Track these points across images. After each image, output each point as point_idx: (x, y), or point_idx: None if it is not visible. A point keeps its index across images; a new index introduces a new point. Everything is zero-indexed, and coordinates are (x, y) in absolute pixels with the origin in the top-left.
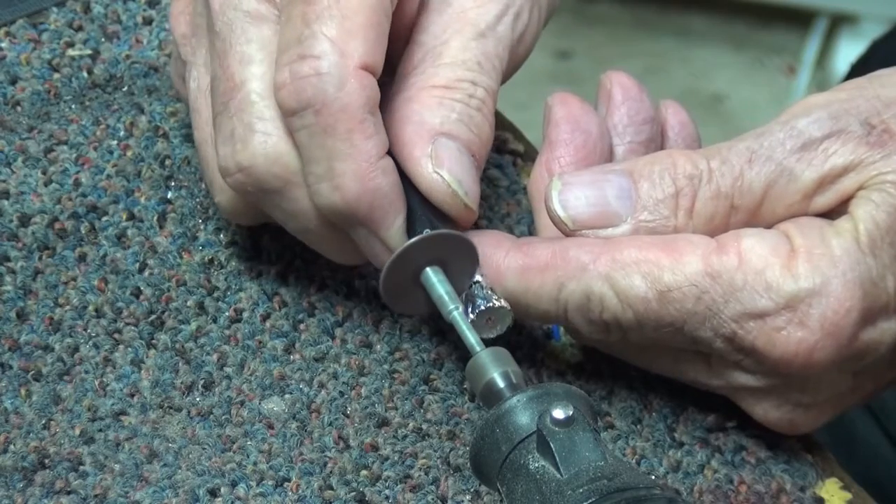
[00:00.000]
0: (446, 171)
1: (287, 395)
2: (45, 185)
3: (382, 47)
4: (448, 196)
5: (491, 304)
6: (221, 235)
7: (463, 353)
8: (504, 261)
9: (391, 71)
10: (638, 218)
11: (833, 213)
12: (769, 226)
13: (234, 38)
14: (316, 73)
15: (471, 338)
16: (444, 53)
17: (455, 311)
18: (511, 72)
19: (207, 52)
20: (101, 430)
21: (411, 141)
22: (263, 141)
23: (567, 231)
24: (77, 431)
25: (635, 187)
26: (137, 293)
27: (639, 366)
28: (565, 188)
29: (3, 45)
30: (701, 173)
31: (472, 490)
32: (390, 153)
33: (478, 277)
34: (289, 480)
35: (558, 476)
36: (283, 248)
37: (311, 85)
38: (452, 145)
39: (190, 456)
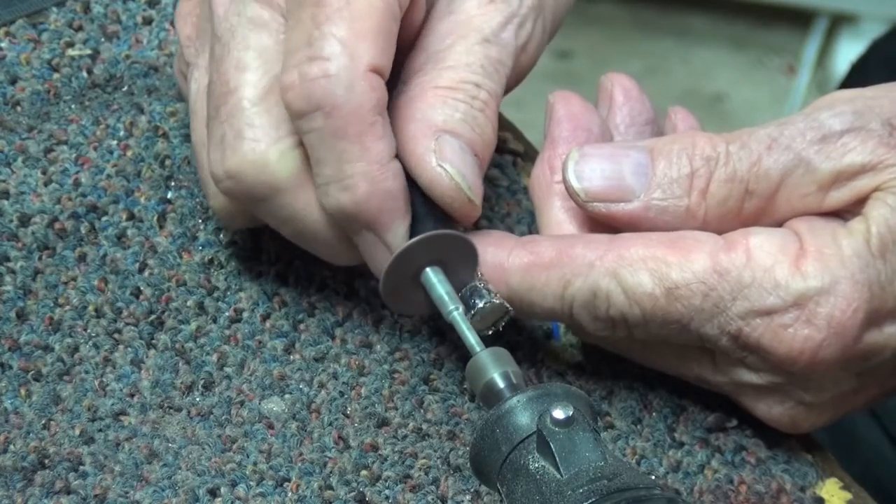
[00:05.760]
0: (449, 165)
1: (287, 395)
2: (45, 185)
3: (391, 51)
4: (451, 190)
5: (489, 302)
6: (221, 235)
7: (463, 353)
8: (508, 259)
9: (395, 76)
10: (650, 195)
11: (847, 212)
12: (784, 216)
13: (234, 43)
14: (325, 75)
15: (471, 338)
16: (448, 57)
17: (455, 312)
18: (515, 81)
19: (210, 56)
20: (101, 430)
21: (414, 137)
22: (252, 148)
23: (579, 202)
24: (77, 431)
25: (653, 165)
26: (137, 293)
27: (642, 363)
28: (582, 159)
29: (3, 45)
30: (718, 155)
31: (472, 490)
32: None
33: (479, 277)
34: (289, 480)
35: (558, 476)
36: (283, 248)
37: (321, 87)
38: (455, 142)
39: (190, 456)
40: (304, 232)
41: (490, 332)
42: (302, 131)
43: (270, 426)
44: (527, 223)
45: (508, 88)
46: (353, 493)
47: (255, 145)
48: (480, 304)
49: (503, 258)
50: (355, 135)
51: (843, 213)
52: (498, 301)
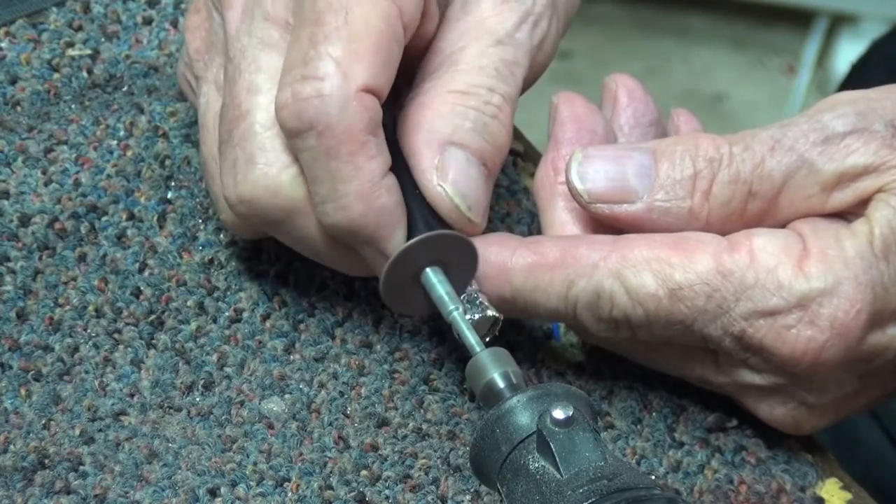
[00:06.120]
0: (450, 184)
1: (287, 395)
2: (45, 185)
3: (390, 71)
4: (451, 210)
5: (474, 317)
6: (221, 235)
7: (463, 353)
8: (512, 259)
9: (410, 81)
10: (654, 197)
11: (851, 213)
12: (787, 217)
13: (245, 65)
14: (318, 95)
15: (471, 338)
16: (461, 60)
17: (455, 312)
18: (532, 80)
19: (219, 71)
20: (101, 430)
21: (419, 150)
22: (264, 173)
23: (582, 203)
24: (77, 431)
25: (656, 166)
26: (137, 293)
27: (644, 364)
28: (586, 161)
29: (3, 45)
30: (722, 157)
31: (472, 490)
32: (400, 162)
33: (470, 288)
34: (289, 480)
35: (558, 476)
36: (283, 249)
37: (313, 106)
38: (461, 155)
39: (190, 456)
40: (318, 250)
41: (487, 340)
42: (297, 150)
43: (270, 426)
44: (526, 223)
45: (525, 87)
46: (353, 493)
47: (268, 170)
48: (472, 317)
49: (507, 258)
50: (348, 154)
51: (847, 215)
52: (490, 314)
